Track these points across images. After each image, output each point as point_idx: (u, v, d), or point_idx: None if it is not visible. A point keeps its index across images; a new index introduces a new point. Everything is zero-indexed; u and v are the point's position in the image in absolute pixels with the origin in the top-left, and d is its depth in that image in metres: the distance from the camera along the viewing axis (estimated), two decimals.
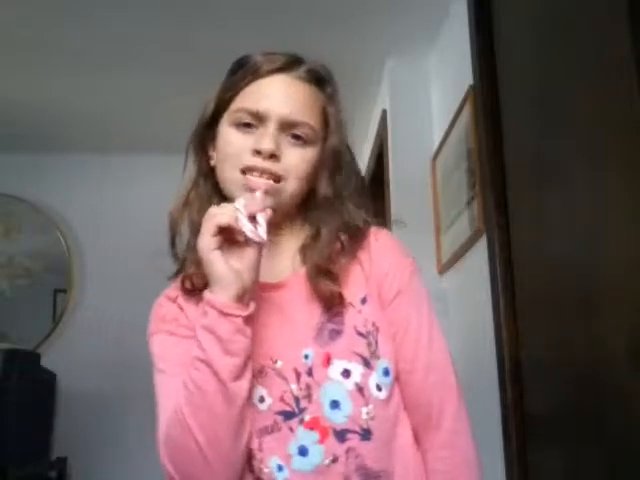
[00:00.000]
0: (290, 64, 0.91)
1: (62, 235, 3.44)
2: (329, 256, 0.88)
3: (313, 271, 0.88)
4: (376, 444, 0.83)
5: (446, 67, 2.42)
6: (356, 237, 0.91)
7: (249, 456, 0.84)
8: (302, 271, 0.90)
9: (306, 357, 0.85)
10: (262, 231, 0.78)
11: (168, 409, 0.81)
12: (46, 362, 2.98)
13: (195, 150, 0.95)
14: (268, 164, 0.85)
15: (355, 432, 0.83)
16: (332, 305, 0.87)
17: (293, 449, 0.82)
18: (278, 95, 0.88)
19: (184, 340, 0.85)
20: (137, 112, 3.09)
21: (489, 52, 1.89)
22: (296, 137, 0.87)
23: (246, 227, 0.77)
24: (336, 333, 0.86)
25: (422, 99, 2.59)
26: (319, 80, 0.93)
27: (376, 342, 0.86)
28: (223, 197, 0.90)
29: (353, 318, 0.87)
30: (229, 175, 0.88)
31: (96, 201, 3.47)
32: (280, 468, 0.82)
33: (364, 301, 0.89)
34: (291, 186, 0.87)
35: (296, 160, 0.87)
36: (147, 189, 3.46)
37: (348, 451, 0.82)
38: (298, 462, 0.82)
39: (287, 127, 0.87)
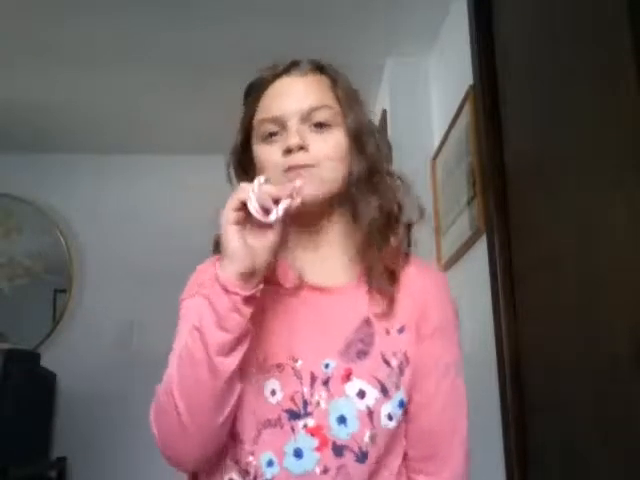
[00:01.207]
0: (289, 66, 0.94)
1: (62, 235, 3.44)
2: (390, 257, 0.89)
3: (370, 271, 0.89)
4: (369, 469, 0.84)
5: (446, 67, 2.42)
6: (397, 257, 0.91)
7: (237, 446, 0.84)
8: (353, 280, 0.91)
9: (326, 366, 0.86)
10: (274, 214, 0.77)
11: (168, 372, 0.83)
12: (46, 362, 2.98)
13: (237, 174, 0.97)
14: (299, 157, 0.86)
15: (353, 452, 0.83)
16: (387, 304, 0.87)
17: (289, 449, 0.83)
18: (288, 94, 0.91)
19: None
20: (137, 112, 3.08)
21: (489, 52, 1.89)
22: (319, 125, 0.89)
23: (251, 203, 0.77)
24: (363, 353, 0.87)
25: (422, 99, 2.59)
26: (320, 68, 0.95)
27: (401, 373, 0.87)
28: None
29: (383, 344, 0.88)
30: (272, 181, 0.88)
31: (96, 201, 3.47)
32: (270, 463, 0.83)
33: (402, 330, 0.89)
34: (325, 170, 0.87)
35: (323, 146, 0.88)
36: (147, 189, 3.46)
37: (340, 467, 0.83)
38: (290, 462, 0.83)
39: (307, 118, 0.89)
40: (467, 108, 2.05)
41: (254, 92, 0.94)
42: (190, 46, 2.50)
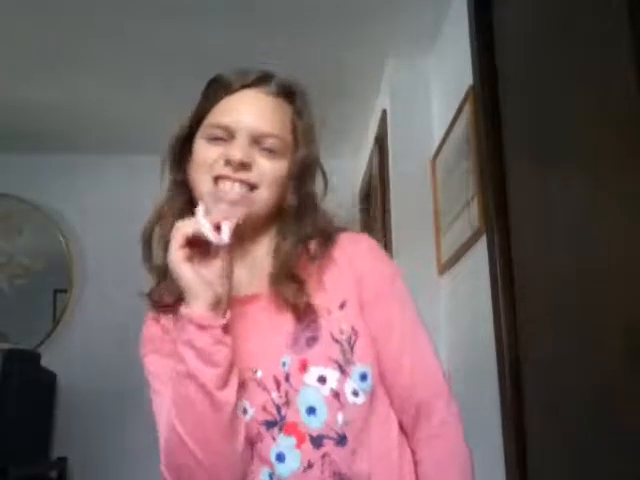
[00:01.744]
0: (260, 80, 0.93)
1: (62, 235, 3.44)
2: (294, 263, 0.89)
3: (275, 279, 0.89)
4: (351, 449, 0.84)
5: (446, 67, 2.42)
6: (326, 242, 0.92)
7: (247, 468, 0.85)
8: (275, 283, 0.91)
9: (284, 364, 0.86)
10: (225, 235, 0.79)
11: (163, 429, 0.83)
12: (46, 362, 2.98)
13: (170, 165, 0.98)
14: (239, 174, 0.87)
15: (330, 438, 0.83)
16: (300, 314, 0.88)
17: (273, 456, 0.84)
18: (247, 109, 0.90)
19: (172, 357, 0.85)
20: (137, 112, 3.08)
21: (489, 52, 1.89)
22: (266, 150, 0.89)
23: (205, 228, 0.78)
24: (312, 340, 0.87)
25: (422, 99, 2.59)
26: (288, 94, 0.94)
27: (352, 348, 0.87)
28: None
29: (329, 324, 0.88)
30: (202, 185, 0.89)
31: (96, 201, 3.47)
32: (271, 477, 0.84)
33: (343, 306, 0.89)
34: (264, 194, 0.88)
35: (268, 168, 0.89)
36: (147, 189, 3.44)
37: (324, 457, 0.83)
38: (278, 468, 0.83)
39: (256, 140, 0.89)
40: (467, 108, 2.05)
41: (214, 92, 0.93)
42: (191, 47, 2.50)
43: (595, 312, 1.27)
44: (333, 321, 0.88)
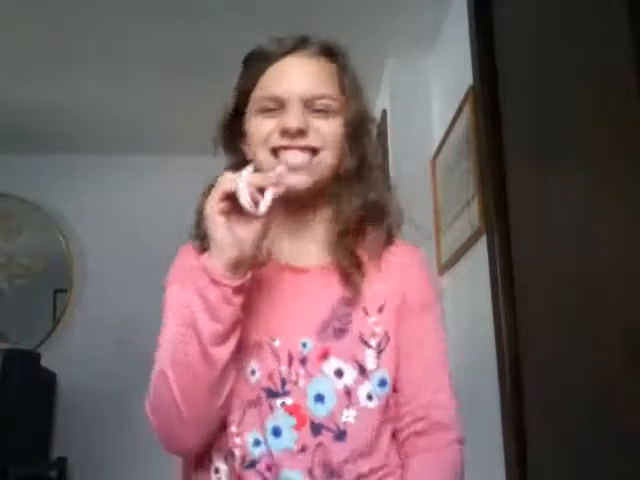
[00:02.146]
0: (299, 44, 0.92)
1: (62, 235, 3.44)
2: (356, 249, 0.89)
3: (337, 250, 0.89)
4: (348, 447, 0.83)
5: (446, 67, 2.42)
6: (381, 238, 0.92)
7: (222, 430, 0.85)
8: (327, 261, 0.91)
9: (304, 345, 0.86)
10: (263, 205, 0.76)
11: (159, 361, 0.83)
12: (46, 362, 2.98)
13: (224, 144, 0.96)
14: (297, 141, 0.86)
15: (330, 430, 0.83)
16: (351, 288, 0.87)
17: (268, 426, 0.83)
18: (293, 75, 0.89)
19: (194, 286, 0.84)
20: (137, 112, 3.08)
21: (489, 52, 1.89)
22: (320, 111, 0.88)
23: (242, 196, 0.76)
24: (341, 332, 0.86)
25: (422, 99, 2.59)
26: (329, 53, 0.93)
27: (380, 352, 0.87)
28: None
29: (361, 324, 0.87)
30: (261, 158, 0.88)
31: (96, 201, 3.47)
32: (257, 443, 0.83)
33: (381, 310, 0.89)
34: (328, 157, 0.88)
35: (327, 130, 0.88)
36: (147, 189, 3.46)
37: (318, 445, 0.82)
38: (271, 440, 0.83)
39: (309, 104, 0.88)
40: (467, 108, 2.05)
41: (256, 64, 0.92)
42: (191, 46, 2.50)
43: (595, 312, 1.27)
44: (367, 322, 0.88)
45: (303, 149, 0.86)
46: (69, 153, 3.44)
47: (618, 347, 1.18)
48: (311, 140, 0.86)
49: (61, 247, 3.42)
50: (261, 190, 0.77)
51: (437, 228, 2.37)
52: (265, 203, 0.76)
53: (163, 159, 3.44)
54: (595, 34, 1.28)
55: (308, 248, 0.92)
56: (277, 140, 0.86)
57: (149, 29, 2.39)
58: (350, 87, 0.92)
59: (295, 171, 0.84)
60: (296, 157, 0.86)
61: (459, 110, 2.13)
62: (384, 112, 2.67)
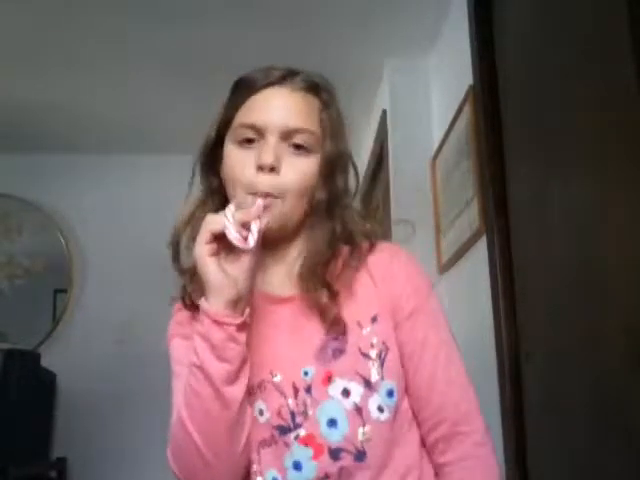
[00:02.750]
0: (285, 76, 0.91)
1: (62, 235, 3.44)
2: (323, 266, 0.87)
3: (304, 282, 0.88)
4: (369, 466, 0.83)
5: (446, 67, 2.42)
6: (359, 250, 0.90)
7: (249, 467, 0.85)
8: (309, 289, 0.88)
9: (305, 374, 0.85)
10: (251, 239, 0.77)
11: (176, 415, 0.83)
12: (46, 362, 2.98)
13: (202, 171, 0.96)
14: (268, 180, 0.84)
15: (349, 452, 0.83)
16: (329, 325, 0.86)
17: (288, 463, 0.83)
18: (275, 106, 0.89)
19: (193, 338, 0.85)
20: (137, 112, 3.08)
21: (489, 52, 1.89)
22: (297, 147, 0.88)
23: (231, 234, 0.77)
24: (339, 352, 0.85)
25: (422, 99, 2.58)
26: (314, 88, 0.93)
27: (382, 363, 0.86)
28: None
29: (358, 338, 0.86)
30: (235, 195, 0.87)
31: (96, 201, 3.47)
32: None
33: (375, 320, 0.87)
34: (288, 204, 0.86)
35: (294, 173, 0.87)
36: (147, 189, 3.46)
37: (341, 469, 0.82)
38: (292, 476, 0.83)
39: (287, 136, 0.87)
40: (467, 108, 2.05)
41: (240, 92, 0.91)
42: (190, 46, 2.50)
43: (595, 312, 1.27)
44: (363, 335, 0.86)
45: (269, 197, 0.85)
46: (69, 153, 3.45)
47: (618, 347, 1.18)
48: (279, 182, 0.85)
49: (61, 247, 3.42)
50: (244, 226, 0.78)
51: (437, 228, 2.37)
52: (253, 236, 0.78)
53: (163, 159, 3.44)
54: (595, 34, 1.28)
55: (288, 278, 0.91)
56: (252, 177, 0.85)
57: (150, 29, 2.39)
58: (331, 124, 0.91)
59: (267, 210, 0.84)
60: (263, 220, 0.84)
61: (459, 110, 2.13)
62: (384, 112, 2.67)
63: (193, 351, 0.79)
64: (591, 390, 1.29)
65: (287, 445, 0.84)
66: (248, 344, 0.83)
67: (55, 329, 3.34)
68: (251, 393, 0.85)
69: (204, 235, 0.78)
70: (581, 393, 1.33)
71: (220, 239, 0.78)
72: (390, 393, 0.85)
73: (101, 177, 3.51)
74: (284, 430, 0.84)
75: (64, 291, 3.40)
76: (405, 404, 0.88)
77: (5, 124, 3.14)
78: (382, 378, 0.85)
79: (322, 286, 0.87)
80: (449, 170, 2.25)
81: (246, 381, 0.81)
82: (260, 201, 0.82)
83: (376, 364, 0.85)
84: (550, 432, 1.49)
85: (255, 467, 0.85)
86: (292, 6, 2.28)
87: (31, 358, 2.91)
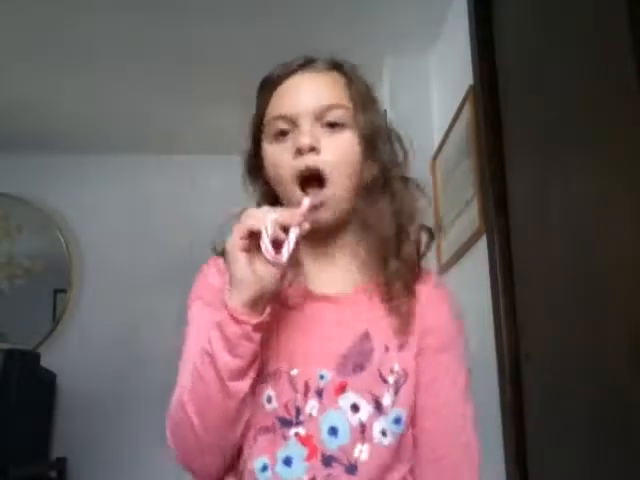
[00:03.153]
0: (304, 63, 0.91)
1: (62, 235, 3.44)
2: (405, 270, 0.86)
3: (392, 285, 0.86)
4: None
5: (446, 67, 2.42)
6: (412, 275, 0.88)
7: (238, 452, 0.85)
8: (353, 289, 0.88)
9: (321, 377, 0.85)
10: (285, 252, 0.74)
11: (181, 383, 0.83)
12: (46, 362, 2.98)
13: (251, 179, 0.94)
14: (310, 159, 0.83)
15: (341, 463, 0.82)
16: (400, 331, 0.85)
17: (281, 455, 0.83)
18: (301, 90, 0.88)
19: (218, 312, 0.82)
20: (137, 112, 3.08)
21: (489, 52, 1.89)
22: (331, 125, 0.86)
23: (266, 248, 0.74)
24: (359, 367, 0.85)
25: (422, 99, 2.58)
26: (337, 66, 0.92)
27: (397, 390, 0.85)
28: None
29: (381, 361, 0.85)
30: (287, 194, 0.86)
31: (96, 201, 3.47)
32: (264, 468, 0.83)
33: (402, 347, 0.86)
34: (337, 191, 0.84)
35: (335, 148, 0.85)
36: (147, 189, 3.46)
37: (328, 476, 0.82)
38: (280, 468, 0.82)
39: (319, 116, 0.86)
40: (467, 108, 2.05)
41: (265, 90, 0.90)
42: (192, 45, 2.50)
43: (595, 312, 1.27)
44: (387, 359, 0.85)
45: (315, 178, 0.84)
46: (70, 153, 3.45)
47: (619, 347, 1.17)
48: (322, 160, 0.83)
49: (61, 247, 3.42)
50: (285, 229, 0.75)
51: (437, 228, 2.36)
52: (289, 248, 0.75)
53: (164, 159, 3.44)
54: (595, 34, 1.28)
55: (332, 275, 0.90)
56: (293, 164, 0.84)
57: (148, 30, 2.39)
58: (360, 98, 0.90)
59: (316, 209, 0.82)
60: (316, 196, 0.83)
61: (459, 110, 2.13)
62: (384, 112, 2.67)
63: (208, 337, 0.78)
64: (591, 390, 1.29)
65: (285, 438, 0.83)
66: (277, 331, 0.84)
67: (55, 329, 3.34)
68: (263, 379, 0.84)
69: (241, 229, 0.75)
70: (581, 393, 1.33)
71: (255, 236, 0.75)
72: (398, 420, 0.85)
73: (102, 177, 3.51)
74: (286, 423, 0.84)
75: (64, 291, 3.40)
76: (409, 434, 0.87)
77: (5, 124, 3.14)
78: (393, 404, 0.84)
79: (396, 275, 0.85)
80: (449, 170, 2.25)
81: (253, 376, 0.80)
82: (306, 200, 0.79)
83: (391, 390, 0.85)
84: (550, 432, 1.49)
85: (245, 451, 0.84)
86: (292, 6, 2.28)
87: (31, 358, 2.91)
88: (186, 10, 2.29)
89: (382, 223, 0.87)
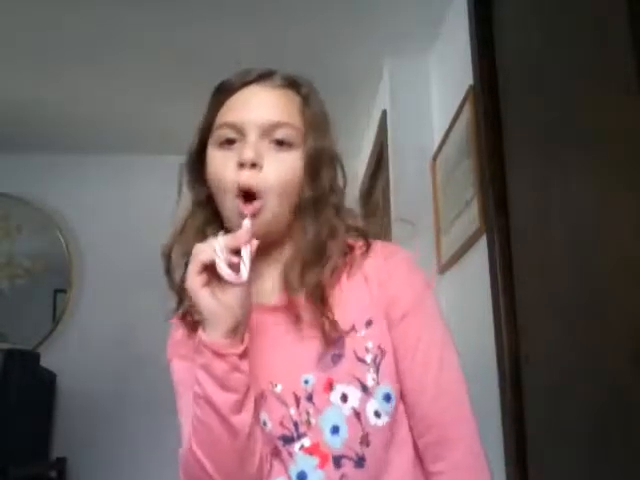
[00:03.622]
0: (262, 76, 0.90)
1: (62, 235, 3.44)
2: (318, 276, 0.85)
3: (293, 291, 0.85)
4: (369, 472, 0.82)
5: (446, 67, 2.42)
6: (352, 251, 0.88)
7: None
8: (299, 296, 0.86)
9: (306, 382, 0.84)
10: (244, 270, 0.75)
11: (185, 436, 0.82)
12: (46, 362, 2.98)
13: (189, 180, 0.93)
14: (250, 176, 0.82)
15: (350, 459, 0.82)
16: (328, 332, 0.84)
17: (293, 473, 0.83)
18: (254, 103, 0.87)
19: (198, 356, 0.82)
20: (137, 112, 3.08)
21: (489, 52, 1.89)
22: (279, 143, 0.85)
23: (223, 270, 0.74)
24: (338, 357, 0.84)
25: (422, 99, 2.58)
26: (293, 84, 0.91)
27: (378, 367, 0.84)
28: (220, 224, 0.88)
29: (353, 342, 0.84)
30: (226, 204, 0.85)
31: (96, 201, 3.47)
32: None
33: (369, 324, 0.85)
34: (273, 202, 0.84)
35: (277, 169, 0.84)
36: (147, 189, 3.46)
37: (342, 478, 0.81)
38: None
39: (267, 132, 0.85)
40: (467, 108, 2.05)
41: (220, 94, 0.90)
42: (192, 46, 2.50)
43: (596, 312, 1.27)
44: (358, 339, 0.84)
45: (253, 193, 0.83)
46: (69, 153, 3.45)
47: (620, 347, 1.17)
48: (261, 178, 0.83)
49: (61, 247, 3.42)
50: (236, 251, 0.76)
51: (437, 228, 2.36)
52: (246, 266, 0.75)
53: (164, 159, 3.43)
54: (595, 34, 1.28)
55: (275, 287, 0.89)
56: (235, 176, 0.83)
57: (148, 30, 2.39)
58: (314, 120, 0.89)
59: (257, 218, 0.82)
60: (252, 225, 0.82)
61: (459, 110, 2.13)
62: (384, 112, 2.67)
63: (196, 381, 0.78)
64: (592, 391, 1.29)
65: (291, 455, 0.83)
66: (250, 357, 0.82)
67: (55, 329, 3.34)
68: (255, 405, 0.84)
69: (195, 266, 0.75)
70: (581, 394, 1.33)
71: (211, 268, 0.75)
72: (387, 397, 0.84)
73: (101, 177, 3.51)
74: (287, 440, 0.84)
75: (64, 291, 3.40)
76: (402, 407, 0.86)
77: (5, 124, 3.14)
78: (377, 383, 0.84)
79: (310, 292, 0.84)
80: (449, 170, 2.25)
81: (252, 407, 0.80)
82: (247, 221, 0.79)
83: (372, 369, 0.84)
84: (550, 433, 1.49)
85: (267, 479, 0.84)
86: (292, 6, 2.27)
87: (31, 358, 2.91)
88: (186, 10, 2.29)
89: (306, 244, 0.86)
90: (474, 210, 1.96)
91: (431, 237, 2.38)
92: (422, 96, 2.59)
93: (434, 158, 2.43)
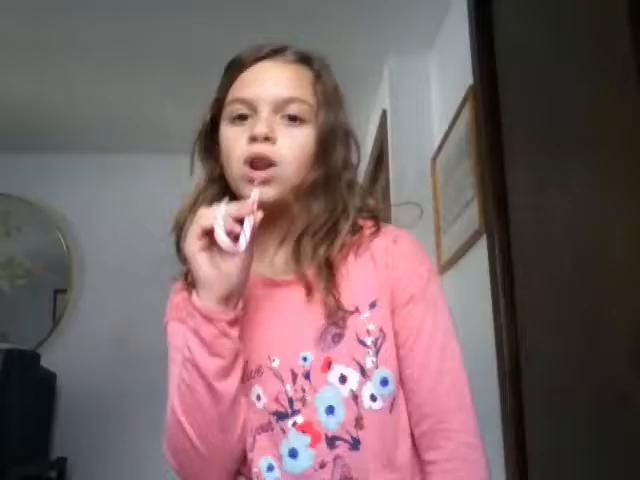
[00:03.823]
0: (274, 51, 0.90)
1: (62, 235, 3.44)
2: (326, 253, 0.85)
3: (303, 266, 0.85)
4: (364, 455, 0.80)
5: (446, 67, 2.42)
6: (361, 230, 0.88)
7: (243, 459, 0.84)
8: (308, 270, 0.86)
9: (304, 359, 0.83)
10: (243, 241, 0.75)
11: (171, 400, 0.82)
12: (46, 362, 2.98)
13: (201, 156, 0.94)
14: (263, 147, 0.83)
15: (345, 440, 0.81)
16: (331, 311, 0.83)
17: (284, 450, 0.82)
18: (266, 79, 0.87)
19: (191, 319, 0.82)
20: (137, 112, 3.08)
21: (489, 52, 1.89)
22: (291, 118, 0.86)
23: (221, 239, 0.74)
24: (338, 337, 0.83)
25: (422, 99, 2.58)
26: (306, 59, 0.91)
27: (378, 351, 0.83)
28: (233, 198, 0.86)
29: (355, 324, 0.84)
30: (234, 171, 0.86)
31: (96, 201, 3.47)
32: (270, 468, 0.82)
33: (373, 305, 0.85)
34: (286, 171, 0.84)
35: (290, 142, 0.85)
36: (147, 189, 3.46)
37: (336, 459, 0.80)
38: (288, 464, 0.81)
39: (280, 108, 0.85)
40: (467, 108, 2.05)
41: (232, 71, 0.90)
42: (191, 45, 2.50)
43: (596, 312, 1.27)
44: (361, 321, 0.84)
45: (265, 163, 0.83)
46: (70, 153, 3.45)
47: (620, 347, 1.17)
48: (275, 152, 0.83)
49: (61, 247, 3.42)
50: (239, 220, 0.76)
51: (437, 228, 2.36)
52: (245, 237, 0.75)
53: (164, 159, 3.43)
54: (595, 34, 1.28)
55: (286, 261, 0.89)
56: (246, 149, 0.84)
57: (148, 29, 2.39)
58: (326, 95, 0.89)
59: (263, 185, 0.82)
60: (256, 173, 0.83)
61: (459, 110, 2.13)
62: (384, 112, 2.67)
63: (185, 344, 0.78)
64: (592, 391, 1.29)
65: (284, 431, 0.82)
66: (247, 329, 0.83)
67: (55, 329, 3.34)
68: (249, 378, 0.84)
69: (195, 230, 0.76)
70: (582, 394, 1.33)
71: (211, 234, 0.76)
72: (384, 382, 0.83)
73: (102, 177, 3.51)
74: (281, 416, 0.83)
75: (64, 291, 3.40)
76: (402, 394, 0.85)
77: (5, 124, 3.14)
78: (376, 366, 0.82)
79: (319, 268, 0.84)
80: (449, 170, 2.25)
81: (239, 374, 0.80)
82: (256, 192, 0.79)
83: (371, 352, 0.83)
84: (550, 433, 1.49)
85: (249, 455, 0.83)
86: (292, 6, 2.28)
87: (31, 358, 2.91)
88: (185, 10, 2.29)
89: (317, 219, 0.87)
90: (474, 210, 1.96)
91: (431, 237, 2.38)
92: (422, 96, 2.59)
93: (434, 158, 2.43)
